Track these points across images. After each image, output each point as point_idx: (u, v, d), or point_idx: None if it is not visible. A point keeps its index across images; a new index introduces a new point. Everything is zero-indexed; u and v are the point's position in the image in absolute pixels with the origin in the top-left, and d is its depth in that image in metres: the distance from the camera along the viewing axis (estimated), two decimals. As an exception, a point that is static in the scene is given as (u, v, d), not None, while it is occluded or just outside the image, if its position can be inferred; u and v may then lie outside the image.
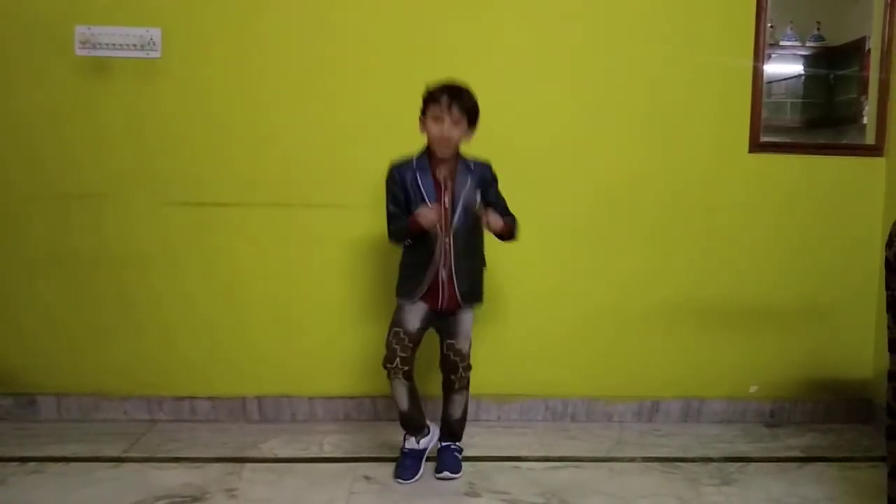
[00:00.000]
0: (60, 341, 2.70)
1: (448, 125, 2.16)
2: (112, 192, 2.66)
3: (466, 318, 2.31)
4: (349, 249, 2.72)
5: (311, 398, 2.77)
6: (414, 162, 2.24)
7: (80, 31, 2.57)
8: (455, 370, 2.30)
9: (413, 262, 2.26)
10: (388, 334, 2.28)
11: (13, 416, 2.71)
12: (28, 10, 2.60)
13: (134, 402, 2.74)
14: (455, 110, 2.16)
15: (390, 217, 2.26)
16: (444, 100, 2.15)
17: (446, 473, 2.30)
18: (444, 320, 2.30)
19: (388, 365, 2.26)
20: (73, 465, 2.35)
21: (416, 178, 2.21)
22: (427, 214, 2.15)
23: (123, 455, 2.43)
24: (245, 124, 2.66)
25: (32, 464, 2.34)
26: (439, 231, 2.20)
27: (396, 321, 2.27)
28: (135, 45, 2.59)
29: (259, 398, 2.76)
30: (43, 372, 2.71)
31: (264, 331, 2.73)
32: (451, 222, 2.22)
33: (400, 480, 2.28)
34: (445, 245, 2.22)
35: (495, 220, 2.20)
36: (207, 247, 2.69)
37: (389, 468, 2.35)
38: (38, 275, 2.68)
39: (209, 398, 2.75)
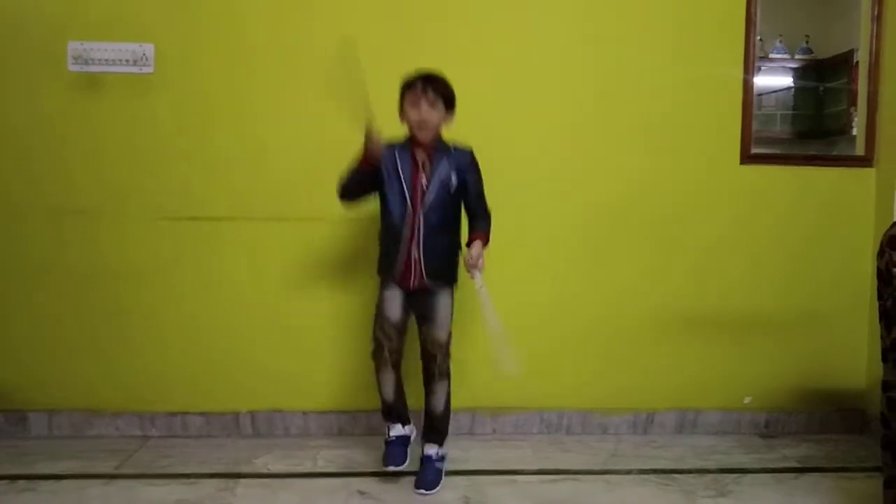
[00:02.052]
0: (52, 356, 2.68)
1: (425, 108, 2.23)
2: (106, 206, 2.66)
3: (442, 303, 2.30)
4: (343, 263, 2.71)
5: (304, 412, 2.75)
6: (397, 144, 2.29)
7: (73, 46, 2.58)
8: (433, 359, 2.31)
9: (387, 240, 2.30)
10: (374, 326, 2.31)
11: (3, 433, 2.68)
12: (20, 26, 2.61)
13: (126, 418, 2.72)
14: (430, 93, 2.23)
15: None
16: (419, 85, 2.23)
17: (421, 491, 2.27)
18: (418, 303, 2.31)
19: (377, 356, 2.29)
20: (64, 482, 2.32)
21: (395, 157, 2.27)
22: (373, 142, 2.16)
23: (115, 472, 2.41)
24: (238, 139, 2.67)
25: (23, 482, 2.32)
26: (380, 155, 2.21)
27: (379, 312, 2.30)
28: (127, 61, 2.60)
29: (252, 413, 2.74)
30: (34, 388, 2.69)
31: (257, 345, 2.72)
32: (425, 201, 2.25)
33: (392, 467, 2.28)
34: (417, 223, 2.25)
35: (472, 256, 2.22)
36: (201, 261, 2.69)
37: (384, 483, 2.33)
38: (32, 289, 2.67)
39: (202, 413, 2.73)
